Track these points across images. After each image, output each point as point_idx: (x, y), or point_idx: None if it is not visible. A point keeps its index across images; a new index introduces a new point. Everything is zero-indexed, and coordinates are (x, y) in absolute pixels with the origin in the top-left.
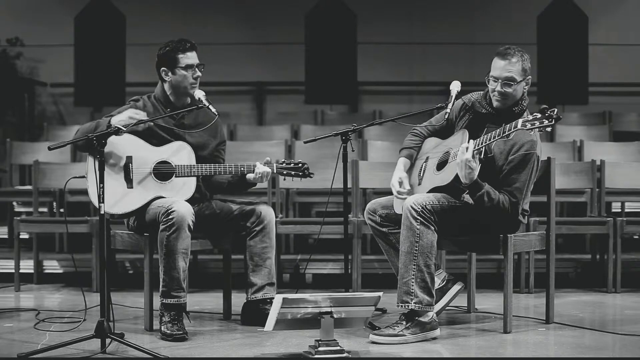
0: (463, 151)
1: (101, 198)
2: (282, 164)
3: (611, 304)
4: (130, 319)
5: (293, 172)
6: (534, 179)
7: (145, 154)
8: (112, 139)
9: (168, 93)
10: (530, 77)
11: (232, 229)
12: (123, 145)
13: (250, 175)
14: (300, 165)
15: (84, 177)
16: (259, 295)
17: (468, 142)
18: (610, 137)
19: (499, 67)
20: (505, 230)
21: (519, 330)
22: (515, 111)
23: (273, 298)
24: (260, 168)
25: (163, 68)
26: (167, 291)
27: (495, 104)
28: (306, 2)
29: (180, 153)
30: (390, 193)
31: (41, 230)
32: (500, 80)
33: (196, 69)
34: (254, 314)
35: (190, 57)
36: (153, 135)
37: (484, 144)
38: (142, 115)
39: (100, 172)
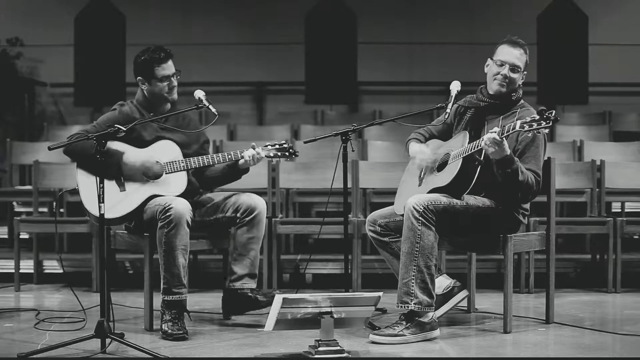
0: (488, 136)
1: (101, 198)
2: (266, 147)
3: (611, 304)
4: (130, 319)
5: (280, 153)
6: (544, 156)
7: (133, 157)
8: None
9: (149, 98)
10: (526, 71)
11: (224, 220)
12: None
13: (241, 161)
14: (284, 145)
15: (75, 189)
16: (238, 284)
17: (470, 141)
18: (610, 137)
19: (509, 52)
20: (505, 230)
21: (519, 330)
22: (512, 98)
23: (252, 288)
24: (250, 152)
25: (139, 77)
26: (169, 288)
27: (496, 87)
28: (306, 2)
29: (166, 150)
30: (391, 194)
31: (41, 230)
32: (507, 65)
33: (172, 78)
34: (233, 303)
35: (165, 68)
36: (139, 139)
37: (505, 133)
38: None
39: (100, 171)
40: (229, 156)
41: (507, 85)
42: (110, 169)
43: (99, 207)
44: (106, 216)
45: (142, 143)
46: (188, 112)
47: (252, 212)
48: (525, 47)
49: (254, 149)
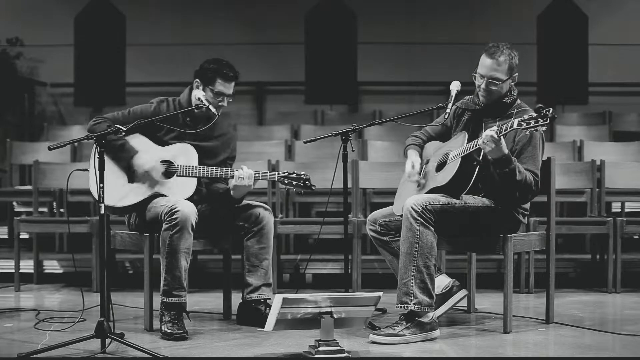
0: (486, 133)
1: (101, 198)
2: (284, 173)
3: (611, 304)
4: (130, 319)
5: (295, 182)
6: (542, 156)
7: (150, 152)
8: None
9: (193, 103)
10: (517, 73)
11: (231, 228)
12: (130, 142)
13: (231, 181)
14: (302, 176)
15: (86, 170)
16: (254, 296)
17: (469, 142)
18: (610, 137)
19: (486, 65)
20: (505, 230)
21: (519, 330)
22: (506, 102)
23: (268, 298)
24: (238, 172)
25: (197, 80)
26: (169, 290)
27: (482, 99)
28: (306, 2)
29: (183, 154)
30: (391, 194)
31: (41, 230)
32: (485, 79)
33: (225, 98)
34: (250, 314)
35: (226, 87)
36: (161, 140)
37: (503, 132)
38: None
39: (100, 172)
40: (231, 173)
41: (491, 96)
42: (121, 163)
43: (99, 206)
44: (109, 204)
45: (163, 142)
46: (209, 110)
47: (260, 222)
48: (507, 51)
49: (264, 173)
